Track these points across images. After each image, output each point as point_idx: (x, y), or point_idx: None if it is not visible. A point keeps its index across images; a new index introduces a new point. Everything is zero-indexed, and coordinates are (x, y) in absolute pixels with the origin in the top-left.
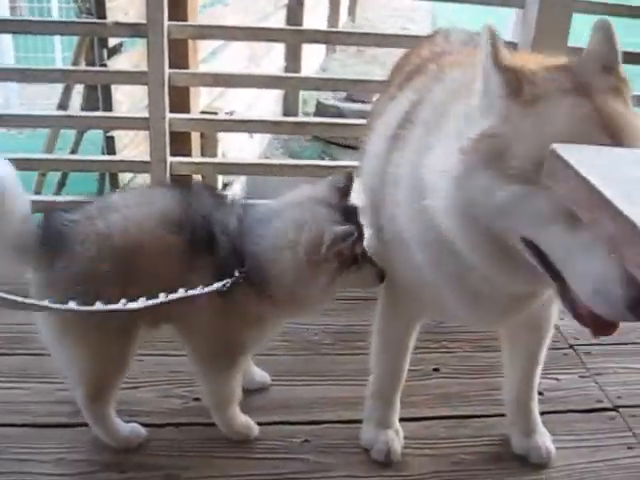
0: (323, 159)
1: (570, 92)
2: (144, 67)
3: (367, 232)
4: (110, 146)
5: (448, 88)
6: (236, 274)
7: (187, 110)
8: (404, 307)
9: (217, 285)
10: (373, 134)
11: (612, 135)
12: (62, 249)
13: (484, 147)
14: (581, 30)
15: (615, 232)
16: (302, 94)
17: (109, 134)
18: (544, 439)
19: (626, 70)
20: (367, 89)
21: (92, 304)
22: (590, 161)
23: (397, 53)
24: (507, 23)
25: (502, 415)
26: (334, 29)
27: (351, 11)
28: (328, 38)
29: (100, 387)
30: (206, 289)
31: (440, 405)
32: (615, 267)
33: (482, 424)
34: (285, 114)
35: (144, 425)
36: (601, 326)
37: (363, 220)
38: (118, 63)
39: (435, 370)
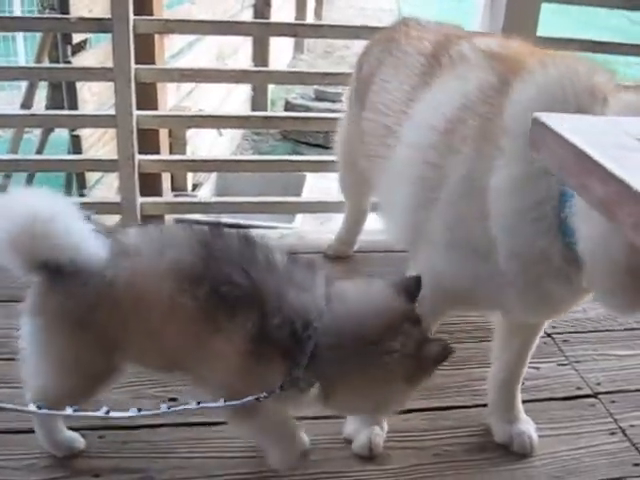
0: None
1: None
2: (110, 64)
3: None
4: (76, 145)
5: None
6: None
7: (155, 107)
8: (441, 304)
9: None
10: (409, 123)
11: None
12: (64, 279)
13: None
14: (550, 20)
15: (605, 195)
16: (270, 94)
17: (75, 133)
18: (527, 426)
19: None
20: (336, 81)
21: (83, 339)
22: (575, 128)
23: None
24: (475, 13)
25: (483, 406)
26: (302, 22)
27: (317, 11)
28: (296, 31)
29: (62, 399)
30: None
31: (420, 397)
32: None
33: (463, 415)
34: (253, 108)
35: (118, 428)
36: None
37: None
38: (83, 60)
39: None
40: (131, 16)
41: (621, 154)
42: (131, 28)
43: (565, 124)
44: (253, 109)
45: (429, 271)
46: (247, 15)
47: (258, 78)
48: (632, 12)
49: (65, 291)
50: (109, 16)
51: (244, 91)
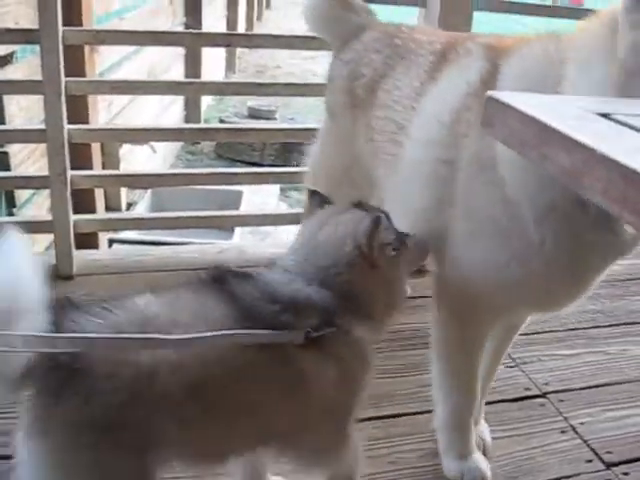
0: None
1: None
2: (38, 78)
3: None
4: (4, 162)
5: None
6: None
7: (89, 158)
8: (479, 316)
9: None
10: (419, 119)
11: None
12: (76, 378)
13: None
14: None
15: (571, 164)
16: (203, 113)
17: (2, 149)
18: (482, 429)
19: None
20: (269, 93)
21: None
22: (532, 104)
23: (297, 73)
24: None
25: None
26: (235, 32)
27: (248, 30)
28: (229, 41)
29: None
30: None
31: (370, 406)
32: None
33: (414, 422)
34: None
35: None
36: None
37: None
38: (9, 74)
39: None
40: (60, 27)
41: (581, 124)
42: (60, 39)
43: (522, 100)
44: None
45: (457, 277)
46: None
47: (191, 90)
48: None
49: (80, 394)
50: (36, 27)
51: (177, 109)
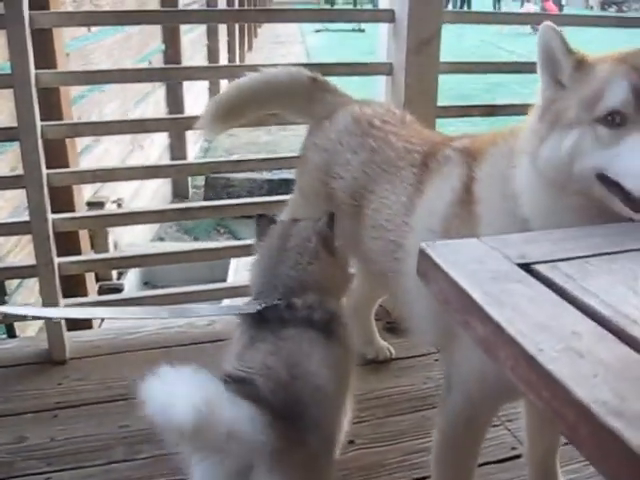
0: (219, 232)
1: (615, 60)
2: (20, 170)
3: None
4: None
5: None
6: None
7: (72, 205)
8: (493, 400)
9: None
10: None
11: None
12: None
13: (549, 115)
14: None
15: (485, 335)
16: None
17: None
18: None
19: None
20: (248, 168)
21: None
22: (456, 260)
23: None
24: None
25: (423, 479)
26: (213, 64)
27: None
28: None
29: None
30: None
31: (359, 477)
32: None
33: None
34: (175, 192)
35: None
36: None
37: None
38: None
39: (350, 442)
40: (38, 123)
41: (500, 287)
42: (39, 135)
43: (449, 254)
44: (174, 186)
45: (471, 370)
46: (160, 94)
47: (171, 172)
48: None
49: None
50: (15, 125)
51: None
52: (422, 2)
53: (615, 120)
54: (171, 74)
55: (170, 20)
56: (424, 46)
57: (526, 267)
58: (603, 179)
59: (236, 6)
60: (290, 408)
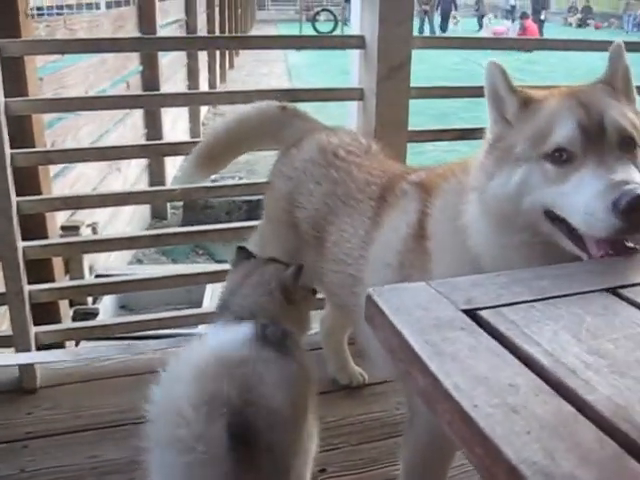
0: (197, 253)
1: (561, 96)
2: None
3: None
4: None
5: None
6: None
7: (44, 230)
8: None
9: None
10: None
11: (587, 110)
12: None
13: (496, 151)
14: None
15: (425, 387)
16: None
17: None
18: None
19: None
20: (222, 194)
21: None
22: (401, 306)
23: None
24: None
25: None
26: (189, 92)
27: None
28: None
29: None
30: None
31: None
32: (598, 193)
33: None
34: (153, 213)
35: None
36: (615, 249)
37: None
38: None
39: (321, 471)
40: (7, 151)
41: (442, 336)
42: (8, 163)
43: (394, 300)
44: (152, 210)
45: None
46: (138, 114)
47: (145, 198)
48: None
49: None
50: None
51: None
52: (392, 28)
53: (562, 157)
54: (146, 101)
55: (141, 48)
56: (394, 72)
57: (471, 313)
58: (550, 215)
59: (217, 24)
60: (243, 432)
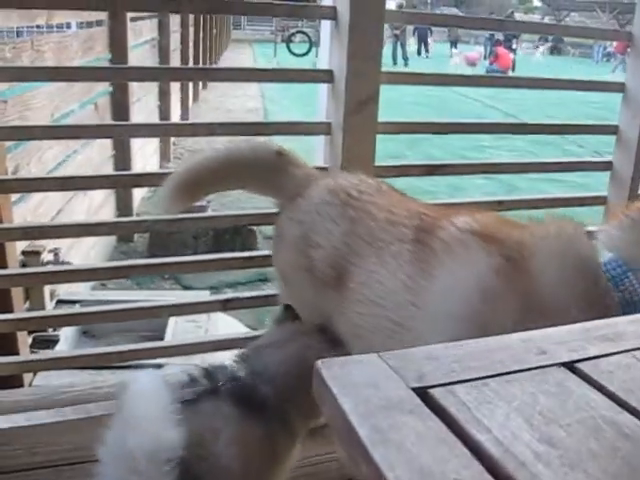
0: (164, 278)
1: None
2: None
3: None
4: None
5: None
6: None
7: (3, 257)
8: None
9: None
10: None
11: None
12: None
13: None
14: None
15: (369, 475)
16: (136, 208)
17: None
18: None
19: None
20: (184, 227)
21: None
22: (356, 378)
23: None
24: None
25: None
26: (158, 122)
27: (184, 112)
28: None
29: None
30: None
31: None
32: None
33: None
34: (119, 236)
35: None
36: None
37: None
38: None
39: None
40: None
41: (390, 420)
42: None
43: (344, 376)
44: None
45: None
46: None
47: (108, 229)
48: None
49: None
50: None
51: (106, 212)
52: (360, 63)
53: None
54: (108, 130)
55: (109, 78)
56: (362, 106)
57: (422, 392)
58: None
59: (191, 44)
60: None
